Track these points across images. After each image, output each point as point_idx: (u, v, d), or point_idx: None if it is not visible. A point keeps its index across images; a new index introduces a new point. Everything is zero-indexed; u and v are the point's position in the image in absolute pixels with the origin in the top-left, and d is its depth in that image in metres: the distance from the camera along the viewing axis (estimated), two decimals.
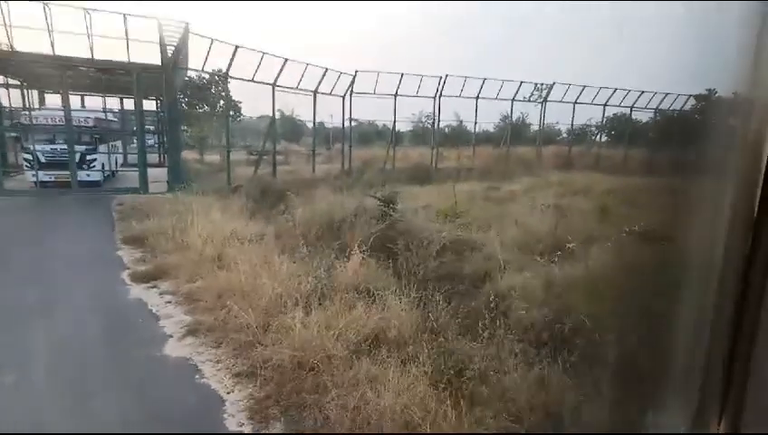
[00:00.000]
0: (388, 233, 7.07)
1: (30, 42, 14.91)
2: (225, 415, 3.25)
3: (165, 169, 14.48)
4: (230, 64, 14.17)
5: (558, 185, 14.08)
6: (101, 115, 16.93)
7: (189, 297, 5.34)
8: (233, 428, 3.12)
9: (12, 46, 12.60)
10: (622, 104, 22.69)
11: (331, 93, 17.82)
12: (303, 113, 27.03)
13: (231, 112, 19.67)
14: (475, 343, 4.03)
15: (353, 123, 20.51)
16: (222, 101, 18.17)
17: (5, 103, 15.52)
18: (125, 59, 12.60)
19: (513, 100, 21.43)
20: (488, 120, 30.48)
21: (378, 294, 4.84)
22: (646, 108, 22.89)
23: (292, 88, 16.25)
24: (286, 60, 15.06)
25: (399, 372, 3.39)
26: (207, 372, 3.80)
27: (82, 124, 13.52)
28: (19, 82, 16.29)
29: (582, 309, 4.45)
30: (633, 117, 23.69)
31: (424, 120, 25.65)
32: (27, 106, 15.87)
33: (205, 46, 13.23)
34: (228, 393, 3.51)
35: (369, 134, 27.30)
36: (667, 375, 1.00)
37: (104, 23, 12.59)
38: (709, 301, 0.84)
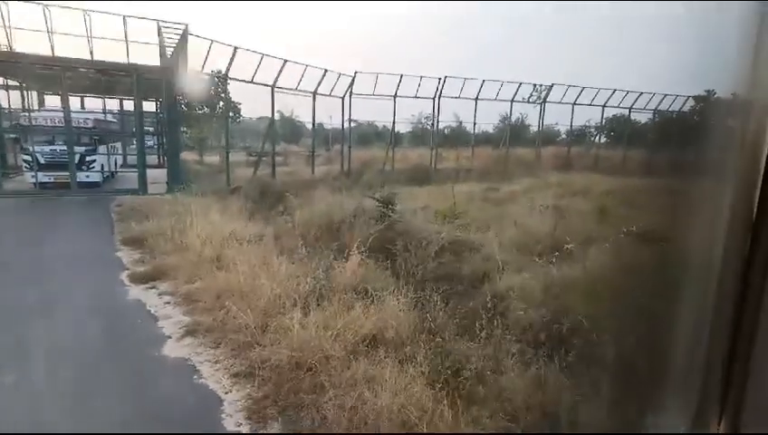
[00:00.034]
0: (386, 234, 7.09)
1: (29, 43, 14.94)
2: (223, 415, 3.26)
3: (164, 171, 14.50)
4: (229, 66, 14.21)
5: (557, 186, 14.10)
6: (101, 116, 16.97)
7: (188, 298, 5.35)
8: (231, 427, 3.13)
9: (11, 47, 12.63)
10: (621, 105, 22.75)
11: (330, 94, 17.85)
12: (303, 114, 27.06)
13: (230, 114, 19.70)
14: (472, 343, 4.04)
15: (352, 124, 20.54)
16: (221, 103, 18.18)
17: (5, 105, 15.55)
18: (124, 60, 12.63)
19: (512, 101, 21.48)
20: (488, 121, 30.54)
21: (376, 295, 4.85)
22: (645, 109, 22.94)
23: (291, 89, 16.28)
24: (285, 61, 15.10)
25: (397, 372, 3.41)
26: (206, 373, 3.82)
27: (82, 125, 13.55)
28: (18, 84, 16.31)
29: (580, 310, 4.46)
30: (632, 118, 23.76)
31: (423, 121, 25.68)
32: (27, 107, 15.90)
33: (204, 48, 13.27)
34: (226, 393, 3.52)
35: (368, 135, 27.30)
36: (666, 375, 1.00)
37: (104, 24, 12.62)
38: (709, 301, 0.84)
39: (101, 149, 14.34)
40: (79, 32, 12.25)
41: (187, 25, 12.78)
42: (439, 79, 19.20)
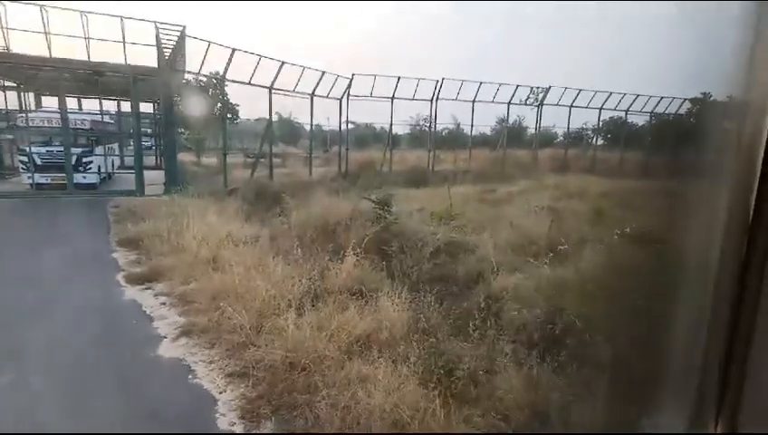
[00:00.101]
0: (382, 235, 7.12)
1: (26, 44, 14.94)
2: (217, 414, 3.28)
3: (162, 172, 14.50)
4: (227, 67, 14.22)
5: (553, 188, 14.14)
6: (98, 117, 16.95)
7: (183, 299, 5.36)
8: (224, 427, 3.15)
9: (8, 48, 12.62)
10: (618, 107, 22.87)
11: (327, 96, 17.89)
12: (301, 116, 27.14)
13: (228, 115, 19.72)
14: (466, 343, 4.08)
15: (350, 126, 20.60)
16: (219, 104, 18.20)
17: (1, 105, 15.53)
18: (122, 62, 12.64)
19: (509, 103, 21.58)
20: (485, 123, 30.66)
21: (371, 296, 4.89)
22: (641, 111, 23.07)
23: (289, 91, 16.32)
24: (283, 63, 15.14)
25: (390, 372, 3.43)
26: (200, 373, 3.83)
27: (79, 126, 13.54)
28: (15, 84, 16.30)
29: (574, 310, 4.50)
30: (629, 120, 23.89)
31: (421, 123, 25.75)
32: (23, 108, 15.87)
33: (202, 49, 13.29)
34: (221, 393, 3.54)
35: (366, 137, 27.36)
36: (664, 377, 1.00)
37: (101, 25, 12.62)
38: (706, 303, 0.84)
39: (98, 150, 14.34)
40: (76, 33, 12.27)
41: (184, 27, 12.83)
42: (437, 81, 19.28)
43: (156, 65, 12.95)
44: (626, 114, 23.32)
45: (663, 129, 21.48)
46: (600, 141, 27.23)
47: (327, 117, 24.18)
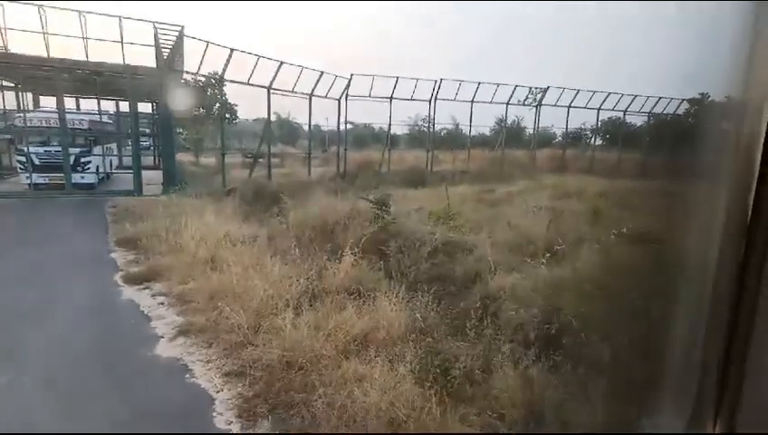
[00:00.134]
0: (380, 235, 7.13)
1: (24, 44, 14.92)
2: (215, 413, 3.29)
3: (160, 172, 14.49)
4: (225, 67, 14.22)
5: (551, 188, 14.18)
6: (96, 117, 16.93)
7: (181, 299, 5.37)
8: (221, 426, 3.16)
9: (6, 48, 12.61)
10: (616, 108, 22.92)
11: (326, 96, 17.90)
12: (300, 116, 27.14)
13: (227, 115, 19.70)
14: (463, 342, 4.09)
15: (349, 126, 20.60)
16: (218, 104, 18.18)
17: None
18: (120, 62, 12.63)
19: (507, 103, 21.61)
20: (484, 123, 30.72)
21: (368, 296, 4.90)
22: (639, 111, 23.13)
23: (287, 91, 16.32)
24: (281, 63, 15.14)
25: (387, 371, 3.45)
26: (198, 372, 3.84)
27: (77, 126, 13.52)
28: (13, 84, 16.27)
29: (571, 310, 4.51)
30: (627, 121, 23.95)
31: (420, 123, 25.78)
32: (21, 108, 15.85)
33: (200, 49, 13.29)
34: (218, 392, 3.55)
35: (364, 137, 27.39)
36: (662, 377, 1.00)
37: (99, 26, 12.60)
38: (704, 303, 0.84)
39: (97, 150, 14.32)
40: (74, 33, 12.26)
41: (182, 27, 12.82)
42: (435, 81, 19.31)
43: (154, 65, 12.95)
44: (624, 114, 23.38)
45: (661, 129, 21.52)
46: (599, 142, 27.30)
47: (326, 117, 24.19)
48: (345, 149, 18.98)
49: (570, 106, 22.26)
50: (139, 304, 5.35)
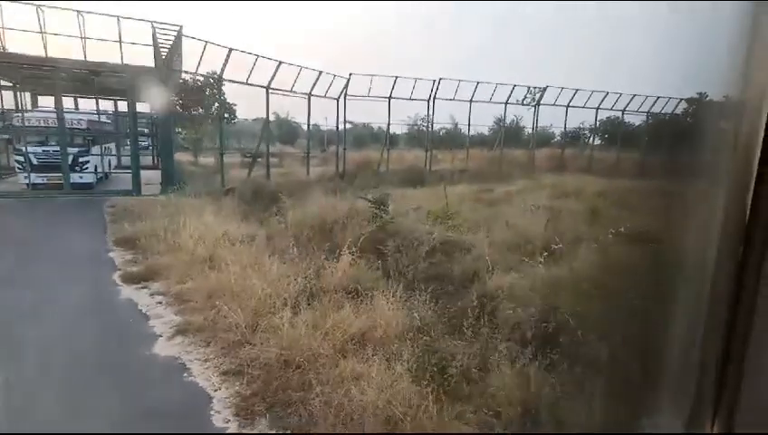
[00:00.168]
0: (378, 235, 7.15)
1: (22, 43, 14.89)
2: (212, 412, 3.30)
3: (159, 172, 14.49)
4: (224, 67, 14.22)
5: (550, 187, 14.20)
6: (94, 117, 16.91)
7: (179, 298, 5.38)
8: (219, 424, 3.17)
9: (4, 48, 12.59)
10: (614, 107, 22.96)
11: (325, 96, 17.91)
12: (299, 116, 27.14)
13: (226, 115, 19.69)
14: (460, 341, 4.11)
15: (348, 126, 20.60)
16: (216, 104, 18.18)
17: None
18: (119, 61, 12.63)
19: (506, 103, 21.63)
20: (483, 123, 30.74)
21: (366, 295, 4.91)
22: (638, 111, 23.17)
23: (286, 90, 16.33)
24: (280, 62, 15.14)
25: (384, 369, 3.46)
26: (195, 371, 3.85)
27: (75, 126, 13.51)
28: (11, 84, 16.25)
29: (568, 309, 4.53)
30: (625, 120, 23.99)
31: (419, 122, 25.81)
32: (19, 108, 15.83)
33: (199, 49, 13.29)
34: (215, 391, 3.56)
35: (363, 137, 27.40)
36: (661, 376, 1.00)
37: (97, 25, 12.62)
38: (702, 303, 0.84)
39: (95, 149, 14.31)
40: (73, 33, 12.25)
41: (181, 27, 12.82)
42: (434, 81, 19.32)
43: (153, 65, 12.95)
44: (623, 114, 23.42)
45: (660, 128, 21.56)
46: (597, 141, 27.34)
47: (325, 117, 24.18)
48: (344, 149, 18.99)
49: (568, 105, 22.30)
50: (138, 303, 5.35)
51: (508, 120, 24.28)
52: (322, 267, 5.63)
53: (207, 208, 9.16)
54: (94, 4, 24.76)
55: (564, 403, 3.20)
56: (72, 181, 12.98)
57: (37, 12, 11.77)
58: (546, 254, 5.90)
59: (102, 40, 12.41)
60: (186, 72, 15.32)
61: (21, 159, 13.00)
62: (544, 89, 21.72)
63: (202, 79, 16.62)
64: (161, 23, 12.56)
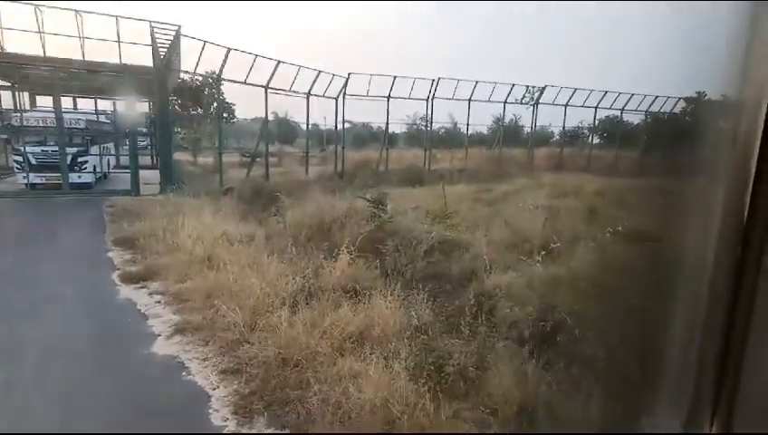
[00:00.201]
0: (376, 234, 7.16)
1: (20, 43, 14.86)
2: (211, 410, 3.32)
3: (158, 171, 14.48)
4: (222, 66, 14.23)
5: (549, 186, 14.22)
6: (93, 117, 16.91)
7: (178, 297, 5.39)
8: (217, 422, 3.19)
9: (2, 48, 12.58)
10: (613, 106, 23.00)
11: (324, 95, 17.91)
12: (298, 115, 27.15)
13: (225, 114, 19.70)
14: (457, 340, 4.12)
15: (347, 125, 20.63)
16: (215, 103, 18.18)
17: None
18: (117, 61, 12.62)
19: (505, 102, 21.66)
20: (482, 122, 30.77)
21: (364, 294, 4.93)
22: (636, 110, 23.21)
23: (285, 90, 16.33)
24: (279, 62, 15.15)
25: (381, 368, 3.48)
26: (194, 370, 3.87)
27: (74, 126, 13.50)
28: (10, 84, 16.23)
29: (566, 307, 4.55)
30: (624, 119, 24.03)
31: (418, 122, 25.83)
32: (18, 108, 15.82)
33: (197, 48, 13.29)
34: (214, 389, 3.58)
35: (362, 136, 27.42)
36: (659, 376, 0.99)
37: (96, 25, 12.59)
38: (701, 301, 0.83)
39: (94, 149, 14.31)
40: (71, 32, 12.23)
41: (179, 26, 12.81)
42: (432, 80, 19.33)
43: (151, 65, 12.94)
44: (621, 113, 23.46)
45: (658, 127, 21.60)
46: (596, 140, 27.38)
47: (324, 116, 24.19)
48: (343, 148, 19.00)
49: (567, 105, 22.33)
50: (137, 303, 5.37)
51: (507, 120, 24.33)
52: (321, 267, 5.65)
53: (206, 208, 9.16)
54: (93, 4, 24.74)
55: (561, 401, 3.22)
56: (70, 181, 12.97)
57: (35, 12, 11.76)
58: (544, 253, 5.93)
59: (101, 40, 12.41)
60: (184, 71, 15.32)
61: (19, 159, 12.99)
62: (543, 88, 21.74)
63: (201, 78, 16.63)
64: (160, 22, 12.57)
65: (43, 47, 12.05)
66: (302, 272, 5.41)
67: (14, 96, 16.39)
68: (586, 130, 26.74)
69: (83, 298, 5.52)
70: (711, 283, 0.81)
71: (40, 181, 12.91)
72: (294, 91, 16.70)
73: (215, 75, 15.11)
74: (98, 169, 14.55)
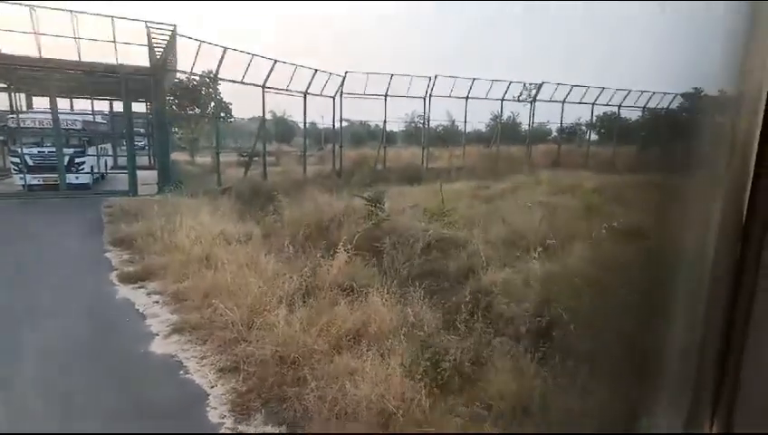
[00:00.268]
0: (374, 232, 7.18)
1: (16, 44, 14.83)
2: (208, 408, 3.34)
3: (155, 172, 14.48)
4: (219, 66, 14.22)
5: (546, 183, 14.24)
6: (90, 118, 16.88)
7: (176, 297, 5.41)
8: (215, 420, 3.21)
9: None
10: (610, 103, 23.03)
11: (321, 94, 17.91)
12: (295, 114, 27.08)
13: (222, 114, 19.67)
14: (454, 336, 4.15)
15: (345, 124, 20.65)
16: (212, 103, 18.15)
17: None
18: (113, 61, 12.60)
19: (502, 100, 21.66)
20: (480, 119, 30.76)
21: (362, 292, 4.95)
22: (634, 106, 23.25)
23: (282, 89, 16.32)
24: (275, 61, 15.13)
25: (378, 364, 3.50)
26: (192, 368, 3.89)
27: (70, 127, 13.49)
28: (6, 85, 16.19)
29: (562, 304, 4.57)
30: (622, 116, 24.06)
31: (416, 120, 25.83)
32: (14, 109, 15.78)
33: (193, 48, 13.28)
34: (212, 388, 3.60)
35: (360, 134, 27.43)
36: (659, 376, 1.00)
37: (92, 26, 12.56)
38: (701, 300, 0.83)
39: (91, 150, 14.30)
40: (66, 33, 12.21)
41: (175, 26, 12.79)
42: (429, 78, 19.34)
43: (147, 65, 12.92)
44: (618, 110, 23.50)
45: (655, 124, 21.63)
46: (594, 137, 27.41)
47: (321, 115, 24.18)
48: (341, 147, 19.01)
49: (564, 102, 22.35)
50: (134, 303, 5.38)
51: (505, 117, 24.35)
52: (318, 265, 5.67)
53: (204, 208, 9.17)
54: (88, 4, 24.65)
55: (556, 395, 3.25)
56: (68, 182, 12.96)
57: (30, 12, 11.73)
58: (541, 249, 5.96)
59: (97, 40, 12.38)
60: (181, 71, 15.29)
61: (16, 160, 12.98)
62: (540, 85, 21.75)
63: (197, 78, 16.60)
64: (156, 22, 12.55)
65: (39, 48, 12.03)
66: (299, 270, 5.43)
67: (10, 97, 16.35)
68: (584, 127, 26.79)
69: (81, 298, 5.53)
70: (710, 281, 0.81)
71: (37, 182, 12.89)
72: (292, 91, 16.69)
73: (211, 75, 15.09)
74: (95, 170, 14.53)
